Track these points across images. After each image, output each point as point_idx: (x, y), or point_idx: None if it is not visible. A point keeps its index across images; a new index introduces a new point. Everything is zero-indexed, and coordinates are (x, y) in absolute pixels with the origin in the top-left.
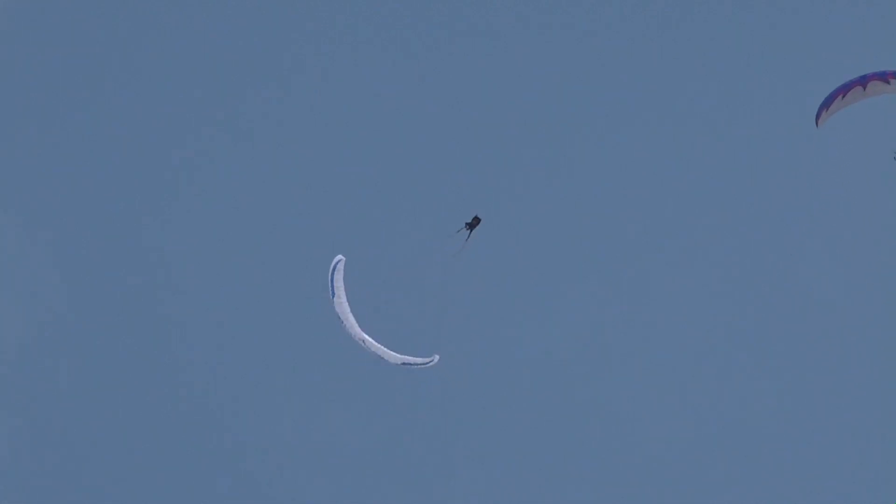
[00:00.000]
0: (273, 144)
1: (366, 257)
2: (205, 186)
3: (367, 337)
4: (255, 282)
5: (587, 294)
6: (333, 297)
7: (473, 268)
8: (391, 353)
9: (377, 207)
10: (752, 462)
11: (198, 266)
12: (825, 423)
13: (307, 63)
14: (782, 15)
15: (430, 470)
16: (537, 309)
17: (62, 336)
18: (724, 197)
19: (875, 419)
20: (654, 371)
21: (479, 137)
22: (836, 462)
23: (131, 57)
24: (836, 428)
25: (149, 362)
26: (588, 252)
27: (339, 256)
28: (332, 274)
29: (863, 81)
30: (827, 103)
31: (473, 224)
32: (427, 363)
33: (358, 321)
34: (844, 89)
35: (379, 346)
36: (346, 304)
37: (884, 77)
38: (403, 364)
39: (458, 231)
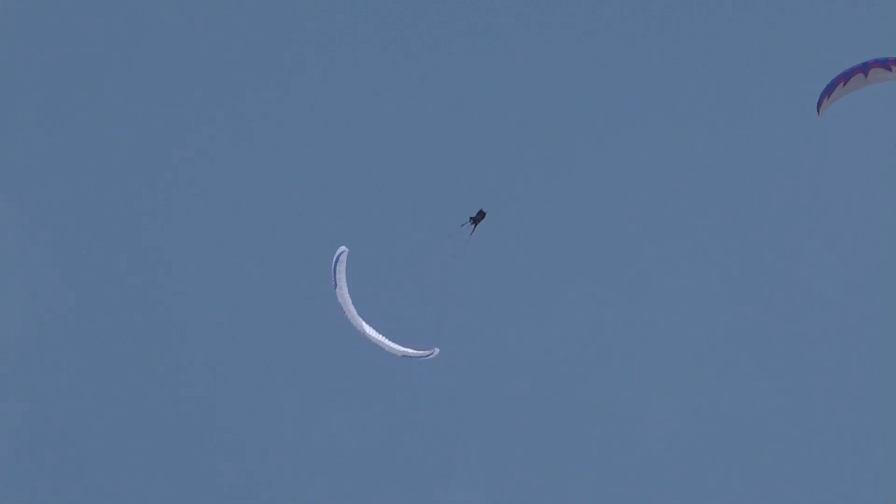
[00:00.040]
0: (273, 144)
1: (366, 257)
2: (205, 186)
3: (368, 327)
4: (256, 279)
5: (587, 293)
6: (335, 287)
7: (474, 267)
8: (392, 343)
9: (377, 207)
10: (752, 462)
11: (197, 264)
12: (825, 422)
13: (307, 63)
14: (782, 15)
15: (430, 469)
16: (537, 308)
17: (62, 335)
18: (725, 196)
19: (875, 419)
20: (654, 370)
21: (480, 137)
22: (836, 462)
23: (131, 57)
24: (837, 428)
25: (149, 359)
26: (588, 251)
27: (343, 248)
28: (335, 265)
29: (864, 69)
30: (828, 91)
31: (478, 219)
32: (427, 355)
33: (359, 312)
34: (846, 77)
35: (380, 336)
36: (348, 295)
37: (885, 64)
38: (403, 356)
39: (463, 226)
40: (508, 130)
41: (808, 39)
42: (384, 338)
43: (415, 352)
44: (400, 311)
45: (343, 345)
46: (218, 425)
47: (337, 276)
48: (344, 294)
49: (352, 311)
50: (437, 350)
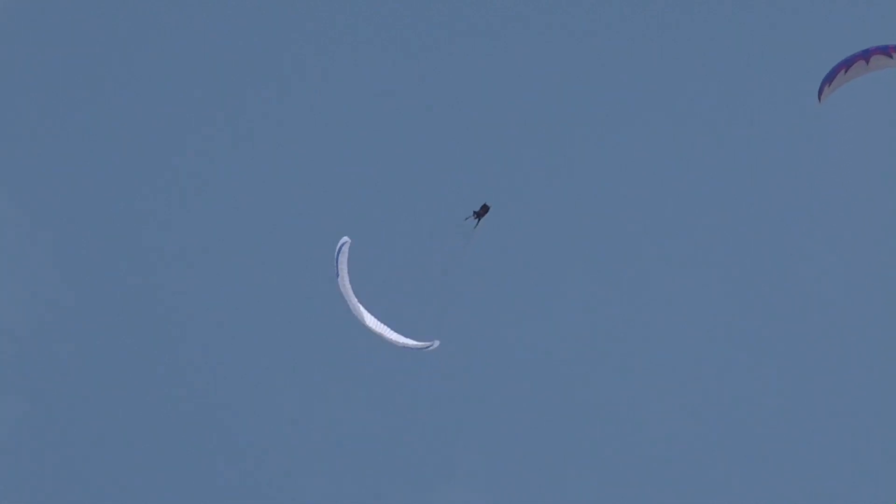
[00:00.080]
0: (274, 143)
1: (366, 256)
2: (205, 185)
3: (369, 316)
4: (256, 278)
5: (588, 291)
6: (337, 277)
7: (474, 266)
8: (392, 333)
9: (377, 207)
10: (752, 462)
11: (197, 263)
12: (825, 422)
13: (307, 63)
14: (782, 15)
15: (430, 468)
16: (538, 306)
17: (62, 334)
18: (725, 196)
19: (876, 419)
20: (654, 369)
21: (480, 137)
22: (836, 462)
23: (132, 57)
24: (837, 428)
25: (149, 359)
26: (589, 250)
27: (346, 238)
28: (338, 256)
29: (865, 55)
30: (829, 78)
31: (482, 213)
32: (427, 347)
33: (361, 302)
34: (847, 64)
35: (380, 326)
36: (350, 286)
37: (886, 51)
38: (403, 346)
39: (467, 219)
40: (509, 130)
41: (809, 39)
42: (385, 327)
43: (415, 343)
44: (401, 307)
45: (343, 344)
46: (218, 423)
47: (339, 265)
48: (346, 284)
49: (353, 300)
50: (436, 342)
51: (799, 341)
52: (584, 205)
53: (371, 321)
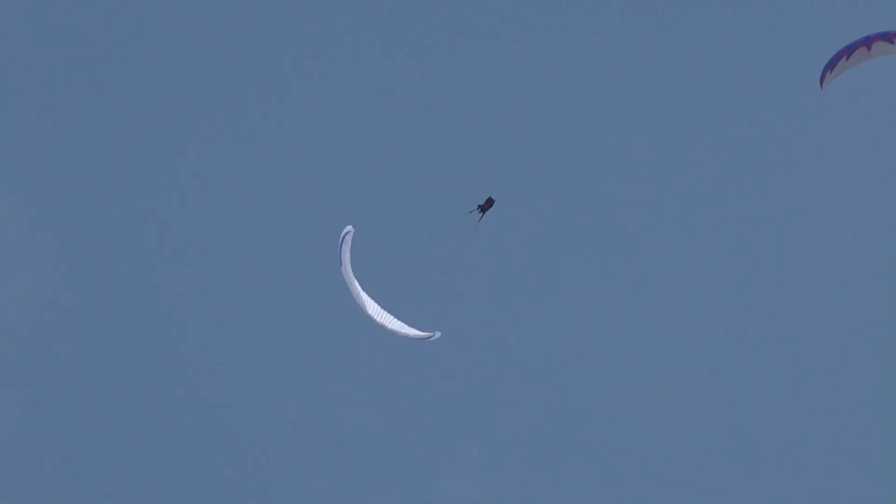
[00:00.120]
0: (274, 143)
1: (367, 254)
2: (206, 185)
3: (371, 304)
4: (257, 277)
5: (588, 290)
6: (341, 265)
7: (475, 264)
8: (394, 322)
9: (377, 207)
10: (752, 461)
11: (198, 263)
12: (825, 422)
13: (307, 63)
14: (782, 15)
15: (429, 460)
16: (538, 303)
17: (62, 334)
18: (725, 196)
19: (876, 419)
20: (654, 369)
21: (481, 137)
22: (836, 462)
23: (132, 57)
24: (837, 428)
25: (149, 358)
26: (589, 249)
27: (349, 227)
28: (341, 244)
29: (867, 42)
30: (831, 65)
31: (486, 206)
32: (428, 337)
33: (363, 290)
34: (849, 50)
35: (382, 314)
36: (353, 275)
37: (887, 37)
38: (405, 336)
39: (471, 212)
40: (509, 130)
41: (808, 39)
42: (387, 315)
43: (416, 332)
44: (403, 302)
45: (342, 343)
46: (218, 423)
47: (342, 254)
48: (349, 272)
49: (356, 287)
50: (437, 333)
51: (799, 341)
52: (585, 204)
53: (373, 309)
